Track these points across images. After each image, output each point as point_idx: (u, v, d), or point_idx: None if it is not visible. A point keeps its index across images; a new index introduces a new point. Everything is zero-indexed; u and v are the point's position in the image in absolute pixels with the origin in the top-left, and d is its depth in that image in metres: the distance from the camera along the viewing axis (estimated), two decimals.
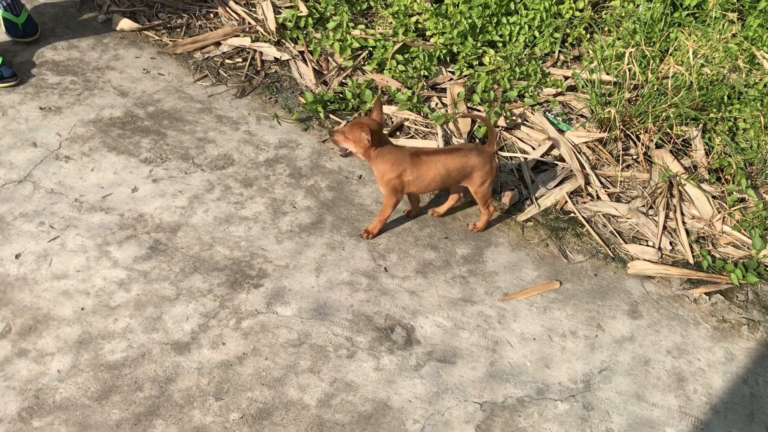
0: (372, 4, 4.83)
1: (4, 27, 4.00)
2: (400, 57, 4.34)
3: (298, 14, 4.55)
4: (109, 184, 3.30)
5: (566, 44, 4.71)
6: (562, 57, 4.63)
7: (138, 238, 3.08)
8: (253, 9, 4.70)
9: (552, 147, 3.94)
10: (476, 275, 3.20)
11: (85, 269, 2.92)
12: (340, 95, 4.09)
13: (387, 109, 4.07)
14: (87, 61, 4.02)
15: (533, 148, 3.96)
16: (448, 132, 3.97)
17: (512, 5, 4.71)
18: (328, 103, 4.04)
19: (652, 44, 4.26)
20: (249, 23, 4.58)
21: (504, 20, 4.67)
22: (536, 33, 4.70)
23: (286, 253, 3.14)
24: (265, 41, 4.42)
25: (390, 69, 4.29)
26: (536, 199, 3.65)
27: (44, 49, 4.04)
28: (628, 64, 3.82)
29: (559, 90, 4.31)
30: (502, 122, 4.02)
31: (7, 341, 2.64)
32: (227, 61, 4.27)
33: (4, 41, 3.99)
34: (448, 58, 4.51)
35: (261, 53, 4.36)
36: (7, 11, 3.94)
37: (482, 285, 3.16)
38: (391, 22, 4.70)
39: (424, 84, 4.25)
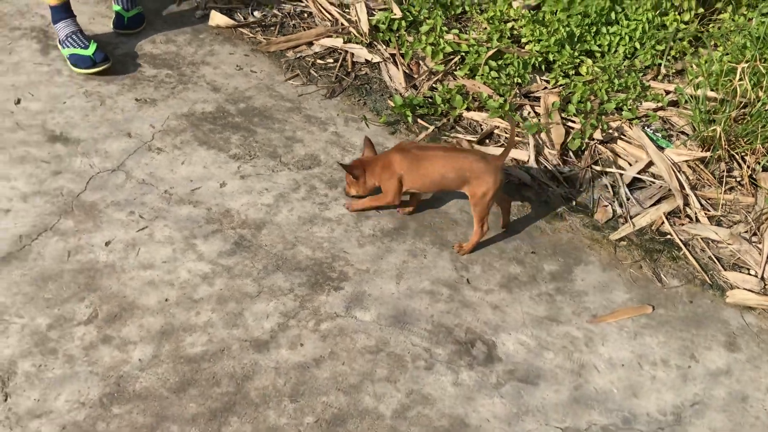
0: (467, 9, 4.73)
1: (113, 20, 4.11)
2: (493, 63, 4.23)
3: (392, 17, 4.50)
4: (198, 177, 3.33)
5: (669, 57, 4.49)
6: (664, 71, 4.41)
7: (224, 233, 3.08)
8: (347, 10, 4.68)
9: (650, 164, 3.74)
10: (564, 294, 3.06)
11: (171, 261, 2.95)
12: (430, 100, 4.01)
13: (477, 115, 3.97)
14: (183, 56, 4.08)
15: (630, 164, 3.78)
16: (540, 142, 3.83)
17: (613, 15, 4.51)
18: (417, 108, 3.97)
19: (764, 60, 4.00)
20: (342, 24, 4.56)
21: (604, 30, 4.48)
22: (637, 44, 4.50)
23: (367, 258, 3.09)
24: (357, 43, 4.39)
25: (482, 75, 4.19)
26: (631, 217, 3.48)
27: (143, 42, 4.13)
28: (739, 81, 3.58)
29: (660, 105, 4.10)
30: (598, 135, 3.85)
31: (93, 326, 2.68)
32: (319, 61, 4.26)
33: (106, 32, 4.10)
34: (543, 67, 4.37)
35: (352, 54, 4.33)
36: (119, 4, 4.06)
37: (570, 304, 3.02)
38: (486, 28, 4.59)
39: (517, 92, 4.12)
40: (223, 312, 2.80)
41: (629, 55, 4.55)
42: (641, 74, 4.40)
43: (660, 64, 4.42)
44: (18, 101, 3.57)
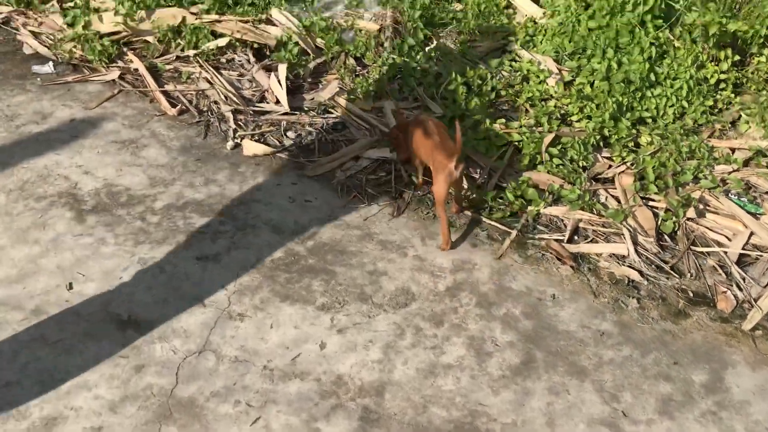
0: (503, 92, 4.52)
1: None
2: (552, 149, 4.00)
3: (434, 115, 4.25)
4: (293, 341, 2.98)
5: (715, 110, 4.35)
6: (719, 126, 4.26)
7: (344, 407, 2.73)
8: (380, 114, 4.43)
9: (751, 234, 3.52)
10: (727, 408, 2.78)
11: None
12: (501, 199, 3.74)
13: (556, 210, 3.72)
14: (229, 196, 3.76)
15: (728, 239, 3.55)
16: (631, 230, 3.59)
17: (653, 76, 4.35)
18: (492, 210, 3.70)
19: None
20: (380, 130, 4.30)
21: (648, 93, 4.31)
22: (684, 103, 4.34)
23: (507, 407, 2.76)
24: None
25: (545, 164, 3.95)
26: (755, 300, 3.23)
27: (182, 187, 3.79)
28: None
29: (735, 167, 3.91)
30: (691, 213, 3.62)
31: None
32: (371, 176, 3.98)
33: (144, 183, 3.76)
34: (600, 143, 4.16)
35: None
36: None
37: (739, 420, 2.74)
38: (527, 110, 4.38)
39: (586, 176, 3.89)
40: None
41: (678, 115, 4.38)
42: (698, 134, 4.23)
43: (712, 121, 4.27)
44: (70, 286, 3.19)
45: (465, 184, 3.74)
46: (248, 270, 3.34)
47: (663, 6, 4.44)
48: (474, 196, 3.72)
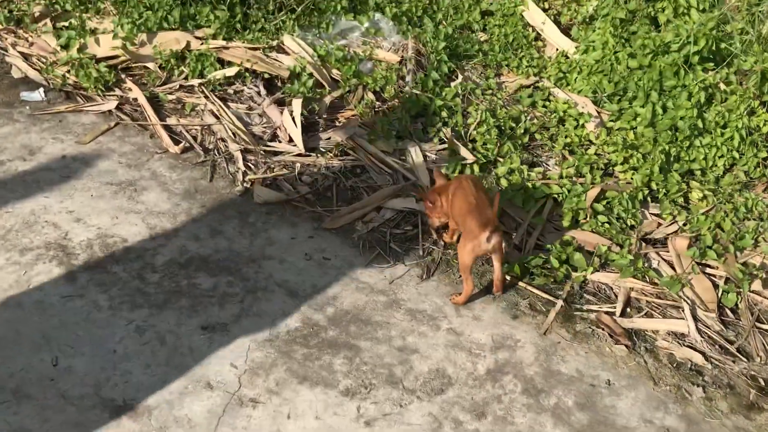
0: (537, 136, 4.13)
1: None
2: (597, 205, 3.60)
3: (463, 162, 3.85)
4: None
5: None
6: None
7: None
8: (403, 157, 4.02)
9: None
10: None
11: None
12: (545, 267, 3.34)
13: (604, 277, 3.32)
14: (238, 251, 3.34)
15: None
16: (689, 301, 3.19)
17: (700, 123, 3.97)
18: (533, 276, 3.29)
19: None
20: (404, 176, 3.89)
21: (697, 142, 3.92)
22: (735, 154, 3.95)
23: None
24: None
25: (588, 221, 3.55)
26: None
27: (185, 240, 3.37)
28: None
29: None
30: (757, 286, 3.23)
31: None
32: (395, 230, 3.57)
33: (144, 237, 3.33)
34: (649, 198, 3.77)
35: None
36: None
37: None
38: (567, 158, 3.98)
39: (635, 237, 3.50)
40: None
41: (728, 167, 4.01)
42: (752, 188, 3.87)
43: (767, 175, 3.91)
44: (56, 361, 2.75)
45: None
46: (261, 343, 2.92)
47: (714, 47, 4.05)
48: (514, 263, 3.31)
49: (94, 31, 4.65)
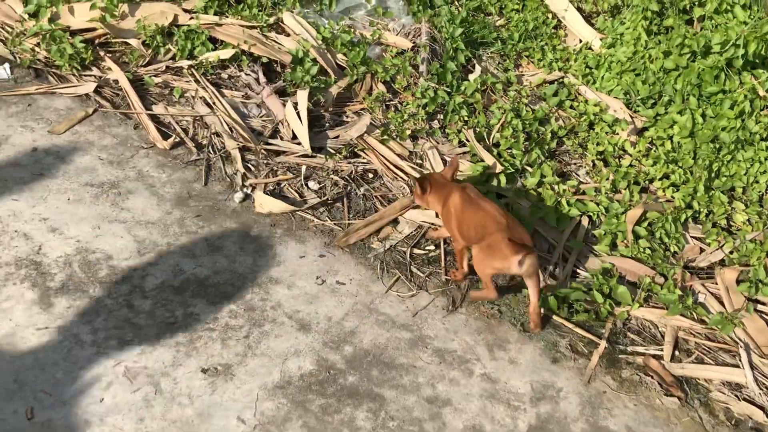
0: (565, 141, 3.75)
1: None
2: (638, 228, 3.26)
3: (485, 169, 3.46)
4: None
5: None
6: None
7: None
8: (420, 162, 3.61)
9: None
10: None
11: None
12: (585, 300, 3.00)
13: (648, 313, 2.99)
14: (240, 273, 2.92)
15: None
16: (743, 344, 2.88)
17: (741, 133, 3.63)
18: (573, 310, 2.94)
19: None
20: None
21: (739, 156, 3.59)
22: None
23: None
24: None
25: (629, 245, 3.20)
26: None
27: (181, 258, 2.93)
28: None
29: None
30: None
31: None
32: (416, 250, 3.17)
33: (133, 264, 2.88)
34: (690, 219, 3.44)
35: None
36: None
37: None
38: (599, 168, 3.62)
39: (680, 266, 3.17)
40: None
41: None
42: None
43: None
44: (31, 414, 2.32)
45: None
46: (271, 391, 2.53)
47: (764, 51, 3.69)
48: (549, 294, 2.96)
49: None
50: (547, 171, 3.46)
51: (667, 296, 2.98)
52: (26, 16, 4.06)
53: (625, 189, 3.44)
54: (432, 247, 3.24)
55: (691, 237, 3.39)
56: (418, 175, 3.29)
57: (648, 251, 3.19)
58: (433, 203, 3.06)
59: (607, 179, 3.48)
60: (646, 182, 3.57)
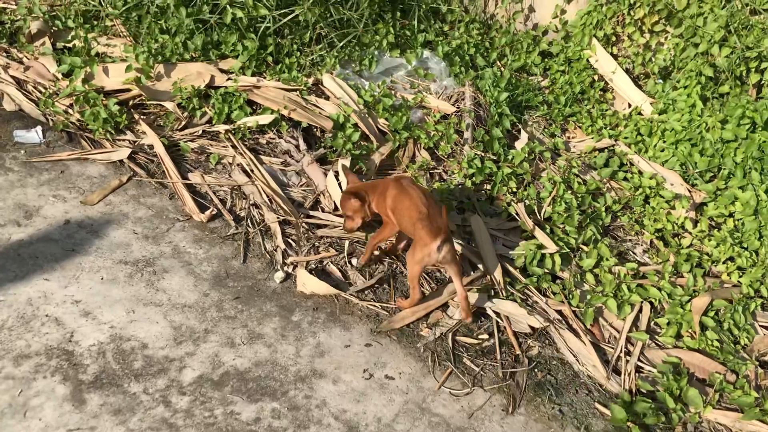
0: (621, 217, 3.55)
1: None
2: (705, 317, 3.03)
3: (540, 250, 3.25)
4: None
5: None
6: None
7: None
8: (468, 233, 3.42)
9: None
10: None
11: None
12: (654, 399, 2.77)
13: (722, 416, 2.75)
14: (282, 365, 2.72)
15: None
16: None
17: None
18: (644, 415, 2.71)
19: None
20: (470, 260, 3.29)
21: None
22: None
23: None
24: (504, 298, 3.12)
25: (695, 338, 2.98)
26: None
27: (219, 346, 2.73)
28: None
29: None
30: None
31: None
32: (467, 339, 2.96)
33: (166, 343, 2.70)
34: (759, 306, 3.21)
35: (508, 319, 3.05)
36: None
37: None
38: (657, 247, 3.40)
39: (753, 362, 2.94)
40: None
41: None
42: None
43: None
44: None
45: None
46: None
47: None
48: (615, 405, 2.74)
49: (101, 57, 3.96)
50: (604, 251, 3.26)
51: (741, 398, 2.75)
52: (60, 75, 3.93)
53: (688, 273, 3.22)
54: (485, 336, 3.02)
55: (760, 326, 3.15)
56: (341, 195, 3.20)
57: (716, 344, 2.96)
58: (378, 206, 3.08)
59: (668, 261, 3.26)
60: (710, 264, 3.34)
